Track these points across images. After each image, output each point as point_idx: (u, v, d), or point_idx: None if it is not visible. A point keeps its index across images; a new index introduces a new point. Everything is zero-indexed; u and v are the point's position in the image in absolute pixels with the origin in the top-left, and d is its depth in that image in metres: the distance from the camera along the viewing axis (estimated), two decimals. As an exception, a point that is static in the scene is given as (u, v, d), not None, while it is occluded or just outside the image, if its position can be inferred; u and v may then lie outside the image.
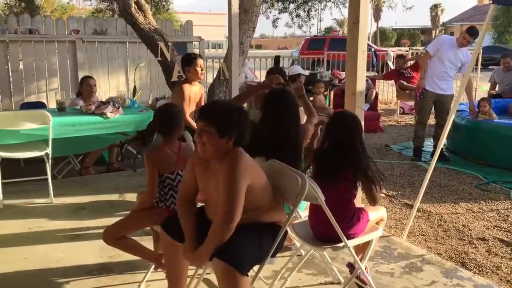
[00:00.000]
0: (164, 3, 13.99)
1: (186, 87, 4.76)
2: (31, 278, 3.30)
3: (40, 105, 6.80)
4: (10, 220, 4.33)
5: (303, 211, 3.24)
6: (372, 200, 2.93)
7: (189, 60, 4.79)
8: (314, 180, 2.61)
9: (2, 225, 4.22)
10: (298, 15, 14.45)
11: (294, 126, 3.37)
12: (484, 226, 4.47)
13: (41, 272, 3.37)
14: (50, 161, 4.86)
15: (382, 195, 5.23)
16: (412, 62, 10.46)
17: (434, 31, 57.12)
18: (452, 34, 37.81)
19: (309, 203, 2.96)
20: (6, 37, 7.63)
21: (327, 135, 2.98)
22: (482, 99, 7.18)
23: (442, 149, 6.47)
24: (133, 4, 6.18)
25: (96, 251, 3.65)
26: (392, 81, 11.18)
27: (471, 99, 6.94)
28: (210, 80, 8.88)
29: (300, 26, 15.13)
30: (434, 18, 58.16)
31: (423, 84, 6.59)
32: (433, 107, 6.71)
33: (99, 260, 3.53)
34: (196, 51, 9.81)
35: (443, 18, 57.91)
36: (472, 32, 6.19)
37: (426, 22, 60.81)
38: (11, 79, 7.88)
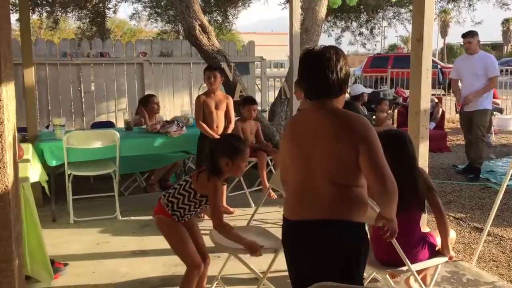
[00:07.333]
0: (227, 24, 14.24)
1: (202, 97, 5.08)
2: (98, 292, 3.42)
3: (109, 125, 7.11)
4: (79, 235, 4.53)
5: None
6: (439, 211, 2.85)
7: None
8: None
9: (72, 239, 4.42)
10: (361, 33, 14.20)
11: None
12: (562, 253, 4.18)
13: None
14: (117, 178, 5.06)
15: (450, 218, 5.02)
16: None
17: (505, 47, 54.62)
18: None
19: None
20: (79, 60, 8.06)
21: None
22: None
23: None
24: (197, 27, 6.37)
25: (159, 267, 3.74)
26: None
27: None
28: (271, 99, 8.96)
29: (363, 44, 14.85)
30: (506, 33, 55.58)
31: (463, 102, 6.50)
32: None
33: (163, 275, 3.61)
34: (258, 70, 9.92)
35: (516, 33, 55.26)
36: (464, 35, 6.51)
37: (498, 37, 58.26)
38: (83, 100, 8.29)
